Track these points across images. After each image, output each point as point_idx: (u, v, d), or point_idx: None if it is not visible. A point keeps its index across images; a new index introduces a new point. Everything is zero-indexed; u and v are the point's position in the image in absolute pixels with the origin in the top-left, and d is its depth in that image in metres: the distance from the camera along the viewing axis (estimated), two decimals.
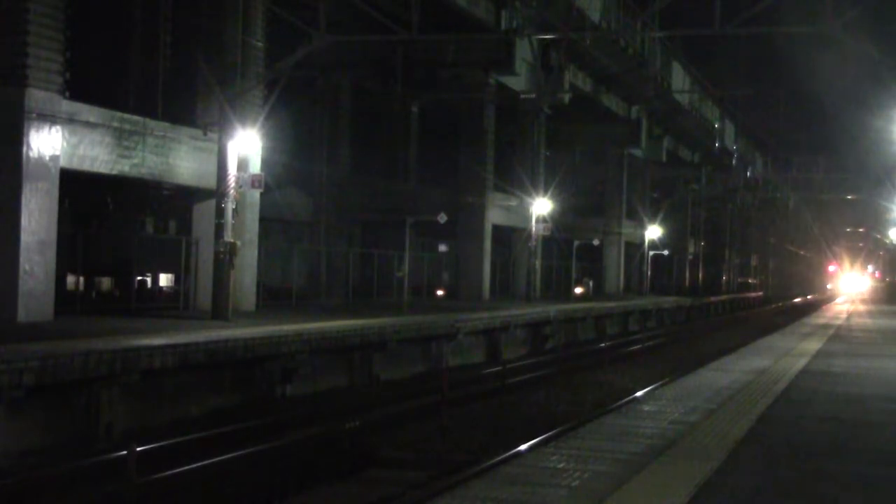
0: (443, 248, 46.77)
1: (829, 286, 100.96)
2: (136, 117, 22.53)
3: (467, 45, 36.92)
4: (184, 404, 16.44)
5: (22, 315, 19.13)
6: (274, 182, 29.09)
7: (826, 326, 33.84)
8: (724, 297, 67.54)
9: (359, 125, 40.13)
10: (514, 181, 41.50)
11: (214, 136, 23.35)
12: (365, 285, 36.03)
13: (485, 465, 12.78)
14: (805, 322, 38.75)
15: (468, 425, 16.77)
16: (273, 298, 28.65)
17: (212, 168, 23.19)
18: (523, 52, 38.27)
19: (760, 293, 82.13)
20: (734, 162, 78.49)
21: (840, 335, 28.73)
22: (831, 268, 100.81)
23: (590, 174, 55.23)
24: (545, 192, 40.28)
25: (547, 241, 42.34)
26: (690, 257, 70.94)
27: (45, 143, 19.69)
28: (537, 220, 39.12)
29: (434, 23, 32.48)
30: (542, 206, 39.19)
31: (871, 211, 78.08)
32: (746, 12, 24.40)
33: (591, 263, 53.96)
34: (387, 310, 28.17)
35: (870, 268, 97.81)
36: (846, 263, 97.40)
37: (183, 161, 23.84)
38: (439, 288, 40.94)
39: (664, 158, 61.92)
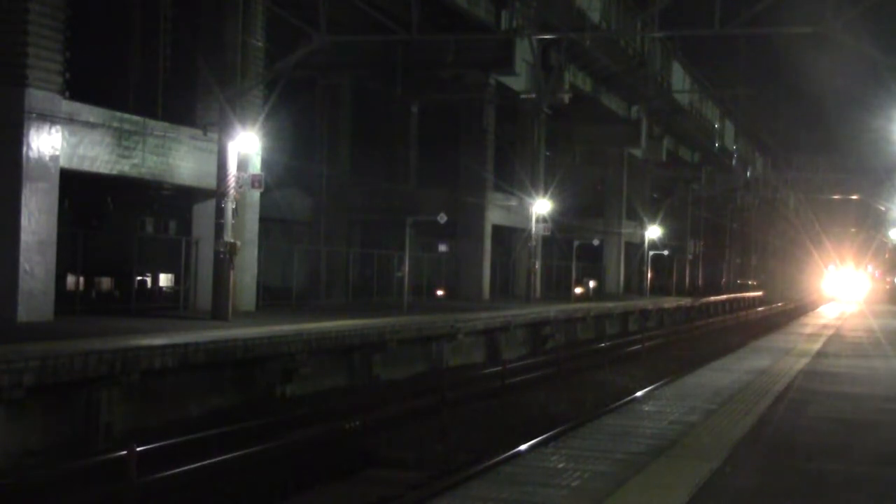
0: (443, 248, 46.75)
1: (829, 286, 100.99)
2: (136, 117, 22.52)
3: (467, 45, 36.92)
4: (184, 404, 16.42)
5: (22, 315, 19.13)
6: (274, 182, 29.09)
7: (826, 326, 33.85)
8: (723, 297, 67.52)
9: (359, 125, 40.13)
10: (514, 181, 41.49)
11: (214, 136, 23.35)
12: (365, 285, 36.02)
13: (485, 465, 12.78)
14: (805, 322, 38.77)
15: (468, 425, 16.77)
16: (273, 298, 28.64)
17: (212, 168, 23.19)
18: (523, 52, 38.27)
19: (760, 293, 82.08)
20: (734, 162, 78.51)
21: (840, 335, 28.74)
22: (832, 268, 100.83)
23: (590, 174, 55.21)
24: (545, 192, 40.27)
25: (547, 241, 42.32)
26: (690, 257, 70.92)
27: (45, 143, 19.68)
28: (537, 221, 39.10)
29: (434, 23, 32.49)
30: (541, 207, 39.18)
31: (871, 211, 78.09)
32: (746, 12, 24.39)
33: (591, 263, 53.94)
34: (387, 310, 28.17)
35: (869, 268, 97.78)
36: (847, 264, 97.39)
37: (183, 161, 23.83)
38: (439, 288, 40.94)
39: (664, 158, 61.92)
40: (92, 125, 21.02)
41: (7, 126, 19.28)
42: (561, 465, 8.83)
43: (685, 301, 55.40)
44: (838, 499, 8.06)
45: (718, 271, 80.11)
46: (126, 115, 22.26)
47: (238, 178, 22.57)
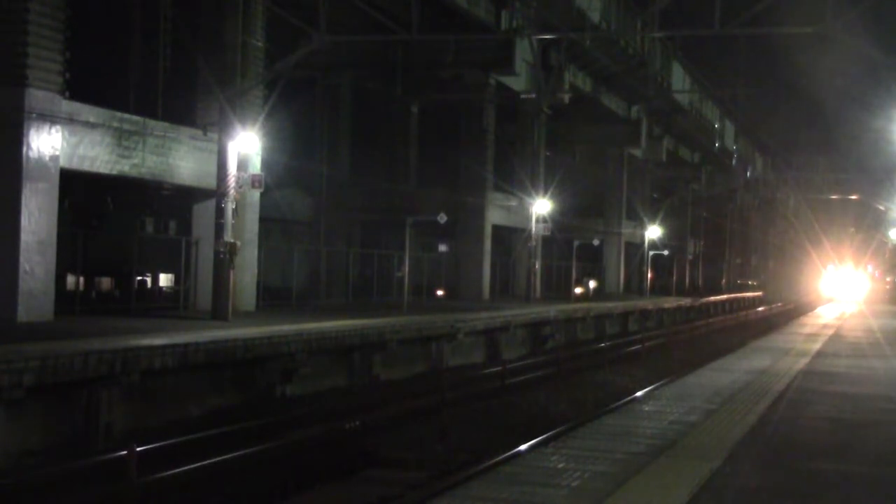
0: (443, 248, 46.73)
1: (829, 286, 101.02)
2: (136, 117, 22.52)
3: (467, 45, 36.93)
4: (184, 404, 16.43)
5: (22, 315, 19.13)
6: (274, 182, 29.08)
7: (826, 327, 33.85)
8: (723, 297, 67.55)
9: (359, 125, 40.13)
10: (514, 181, 41.50)
11: (214, 136, 23.35)
12: (365, 285, 36.01)
13: (485, 465, 12.78)
14: (804, 322, 38.78)
15: (468, 425, 16.77)
16: (273, 298, 28.64)
17: (212, 168, 23.19)
18: (523, 52, 38.28)
19: (760, 293, 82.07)
20: (734, 162, 78.55)
21: (839, 335, 28.74)
22: (832, 268, 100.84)
23: (590, 174, 55.23)
24: (545, 192, 40.27)
25: (547, 241, 42.33)
26: (690, 257, 70.92)
27: (45, 143, 19.68)
28: (537, 221, 39.11)
29: (434, 23, 32.48)
30: (541, 207, 39.18)
31: (871, 211, 78.13)
32: (746, 12, 24.40)
33: (592, 263, 53.95)
34: (387, 310, 28.17)
35: (869, 268, 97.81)
36: (846, 264, 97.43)
37: (183, 161, 23.83)
38: (439, 288, 40.94)
39: (664, 158, 61.94)
40: (92, 125, 21.02)
41: (7, 126, 19.28)
42: (561, 465, 8.83)
43: (685, 301, 55.41)
44: (838, 498, 8.06)
45: (718, 271, 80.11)
46: (126, 115, 22.26)
47: (238, 178, 22.57)
